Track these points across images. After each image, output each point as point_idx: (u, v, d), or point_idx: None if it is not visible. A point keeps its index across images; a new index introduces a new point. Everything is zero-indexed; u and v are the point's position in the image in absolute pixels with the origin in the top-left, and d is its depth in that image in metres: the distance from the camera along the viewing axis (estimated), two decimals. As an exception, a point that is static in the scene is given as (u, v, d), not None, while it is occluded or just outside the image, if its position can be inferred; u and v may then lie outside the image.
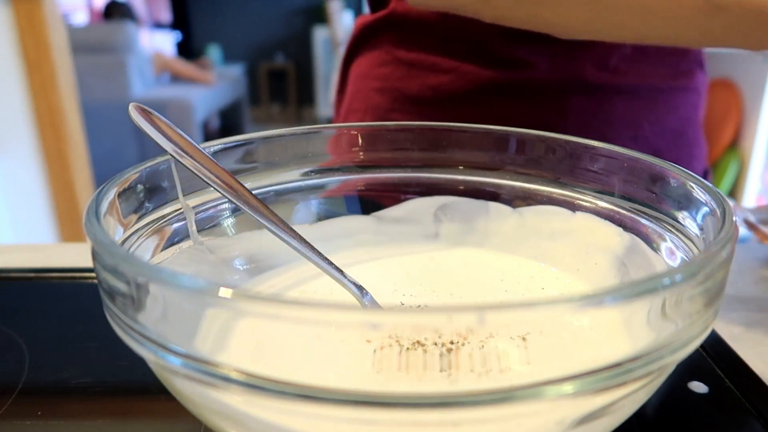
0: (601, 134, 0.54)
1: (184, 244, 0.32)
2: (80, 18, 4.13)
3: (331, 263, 0.32)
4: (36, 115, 1.68)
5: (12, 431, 0.29)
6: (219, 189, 0.30)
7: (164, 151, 0.30)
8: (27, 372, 0.33)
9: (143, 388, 0.31)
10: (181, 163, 0.30)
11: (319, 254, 0.32)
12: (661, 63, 0.56)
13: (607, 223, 0.35)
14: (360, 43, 0.62)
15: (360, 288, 0.31)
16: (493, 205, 0.39)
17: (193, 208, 0.33)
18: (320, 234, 0.37)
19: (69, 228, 1.80)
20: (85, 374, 0.33)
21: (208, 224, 0.34)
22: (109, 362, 0.34)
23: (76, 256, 0.50)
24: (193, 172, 0.30)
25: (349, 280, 0.31)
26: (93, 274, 0.23)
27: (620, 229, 0.34)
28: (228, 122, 3.91)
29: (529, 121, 0.52)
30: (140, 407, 0.31)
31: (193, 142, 0.30)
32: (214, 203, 0.34)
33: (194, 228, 0.32)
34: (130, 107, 0.29)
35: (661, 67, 0.56)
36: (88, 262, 0.25)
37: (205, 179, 0.30)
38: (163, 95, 2.97)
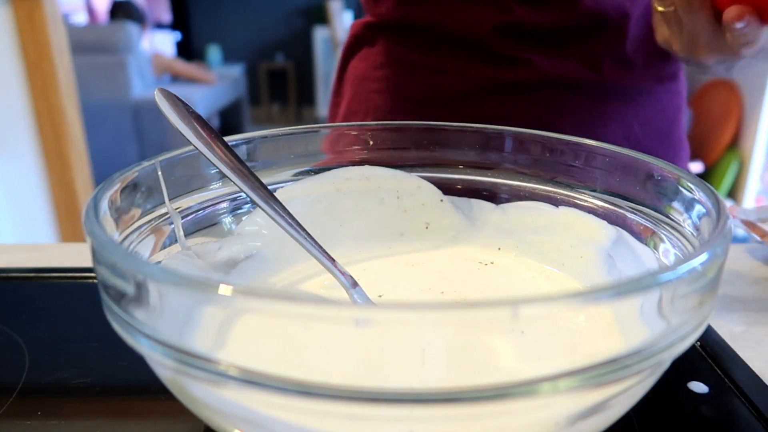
0: (596, 134, 0.56)
1: (173, 249, 0.32)
2: (80, 18, 4.13)
3: (329, 256, 0.32)
4: (36, 114, 1.68)
5: (12, 431, 0.29)
6: (226, 171, 0.31)
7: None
8: (27, 372, 0.33)
9: (143, 388, 0.31)
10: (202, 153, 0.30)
11: (318, 246, 0.32)
12: (648, 65, 0.57)
13: (591, 216, 0.35)
14: (357, 45, 0.62)
15: (352, 280, 0.31)
16: (476, 202, 0.39)
17: (186, 209, 0.33)
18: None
19: (69, 228, 1.80)
20: (85, 374, 0.33)
21: (199, 227, 0.34)
22: (109, 362, 0.34)
23: (76, 256, 0.50)
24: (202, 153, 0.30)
25: (340, 271, 0.32)
26: (93, 274, 0.23)
27: (604, 222, 0.34)
28: (228, 122, 3.90)
29: (528, 121, 0.53)
30: (140, 407, 0.31)
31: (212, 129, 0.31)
32: (204, 206, 0.34)
33: (181, 233, 0.32)
34: (155, 92, 0.30)
35: (648, 70, 0.58)
36: (88, 262, 0.25)
37: (211, 159, 0.30)
38: (164, 95, 2.96)
